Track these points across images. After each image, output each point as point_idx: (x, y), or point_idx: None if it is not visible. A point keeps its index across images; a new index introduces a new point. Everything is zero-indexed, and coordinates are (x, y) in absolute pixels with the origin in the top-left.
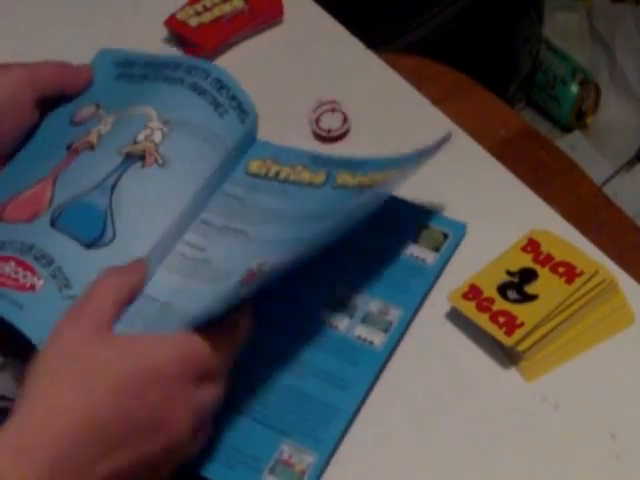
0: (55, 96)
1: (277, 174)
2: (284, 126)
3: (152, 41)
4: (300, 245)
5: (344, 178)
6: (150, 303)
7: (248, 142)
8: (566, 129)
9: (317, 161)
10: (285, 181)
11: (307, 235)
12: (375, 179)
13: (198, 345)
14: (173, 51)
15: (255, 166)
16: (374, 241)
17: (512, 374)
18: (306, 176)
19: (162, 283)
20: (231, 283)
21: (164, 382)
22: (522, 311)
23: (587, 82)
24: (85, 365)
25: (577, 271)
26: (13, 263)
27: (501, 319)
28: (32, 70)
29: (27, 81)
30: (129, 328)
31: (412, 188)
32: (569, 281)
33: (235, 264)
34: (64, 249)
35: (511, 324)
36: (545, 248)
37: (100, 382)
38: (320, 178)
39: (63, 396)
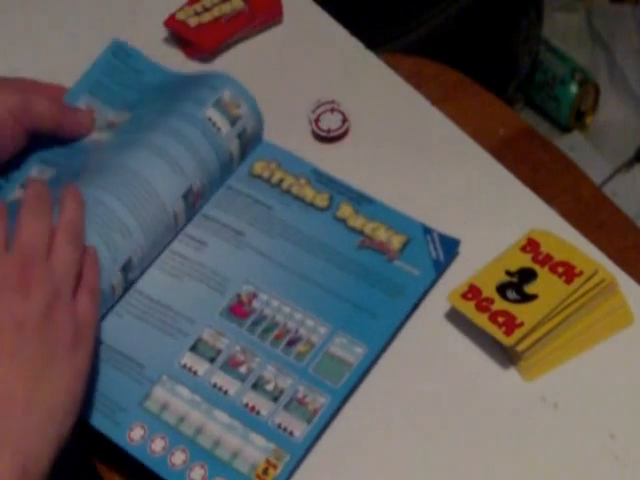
0: (49, 132)
1: (280, 181)
2: (283, 126)
3: (152, 41)
4: (290, 276)
5: (346, 211)
6: (149, 303)
7: (254, 142)
8: (565, 129)
9: (321, 179)
10: (288, 192)
11: (299, 267)
12: (376, 233)
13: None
14: (173, 51)
15: (259, 167)
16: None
17: (511, 374)
18: (309, 193)
19: (154, 282)
20: (223, 304)
21: None
22: (521, 311)
23: (586, 82)
24: None
25: (576, 271)
26: None
27: (500, 319)
28: (27, 103)
29: (20, 114)
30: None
31: (411, 188)
32: (568, 281)
33: (232, 271)
34: None
35: (510, 324)
36: (544, 248)
37: None
38: (323, 201)
39: None
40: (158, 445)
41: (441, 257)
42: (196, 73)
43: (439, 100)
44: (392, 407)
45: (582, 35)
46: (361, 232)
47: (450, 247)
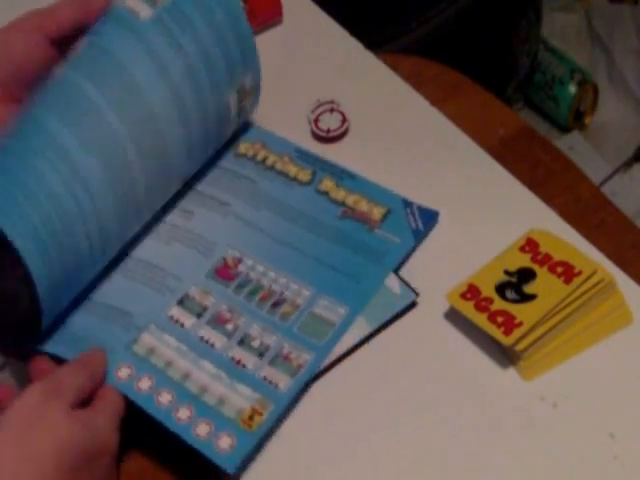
0: (77, 32)
1: (265, 159)
2: (283, 126)
3: None
4: (274, 243)
5: (328, 185)
6: (137, 264)
7: (251, 108)
8: (564, 129)
9: (303, 157)
10: (272, 168)
11: (283, 236)
12: (357, 204)
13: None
14: None
15: (243, 147)
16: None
17: (510, 374)
18: (292, 169)
19: (142, 247)
20: (208, 266)
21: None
22: (520, 311)
23: (585, 82)
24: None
25: (575, 271)
26: None
27: (499, 319)
28: (47, 21)
29: (43, 36)
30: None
31: (410, 187)
32: (567, 281)
33: (218, 236)
34: None
35: (509, 324)
36: (543, 248)
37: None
38: (306, 176)
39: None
40: (145, 384)
41: (420, 227)
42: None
43: (438, 100)
44: (391, 406)
45: (581, 35)
46: (343, 204)
47: (429, 218)
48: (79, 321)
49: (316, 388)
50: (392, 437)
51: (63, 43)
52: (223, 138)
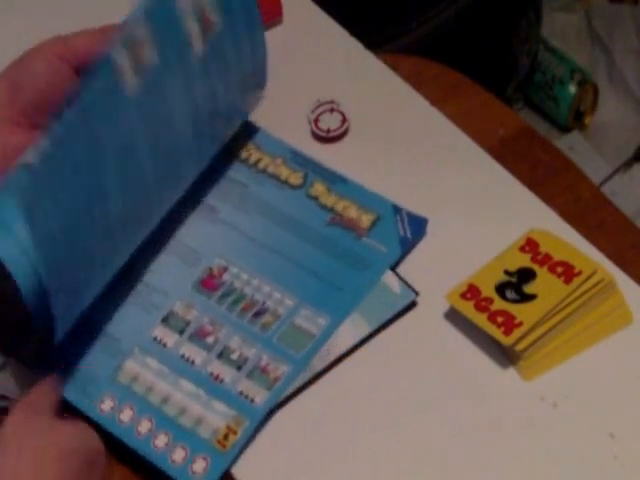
0: None
1: (257, 162)
2: (283, 126)
3: None
4: (261, 249)
5: (319, 189)
6: (124, 280)
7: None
8: (564, 129)
9: (297, 159)
10: (264, 171)
11: (270, 241)
12: (347, 211)
13: None
14: None
15: (237, 149)
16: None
17: (511, 374)
18: (284, 172)
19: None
20: (194, 277)
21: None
22: (520, 311)
23: (585, 82)
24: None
25: (575, 271)
26: None
27: (499, 319)
28: (69, 48)
29: (65, 62)
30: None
31: (410, 188)
32: (567, 281)
33: (205, 246)
34: None
35: (509, 324)
36: (543, 248)
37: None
38: (297, 179)
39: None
40: (126, 415)
41: (408, 235)
42: None
43: (438, 100)
44: (391, 406)
45: (581, 35)
46: (332, 209)
47: (418, 226)
48: (69, 349)
49: (316, 388)
50: (392, 437)
51: (85, 70)
52: (223, 143)
